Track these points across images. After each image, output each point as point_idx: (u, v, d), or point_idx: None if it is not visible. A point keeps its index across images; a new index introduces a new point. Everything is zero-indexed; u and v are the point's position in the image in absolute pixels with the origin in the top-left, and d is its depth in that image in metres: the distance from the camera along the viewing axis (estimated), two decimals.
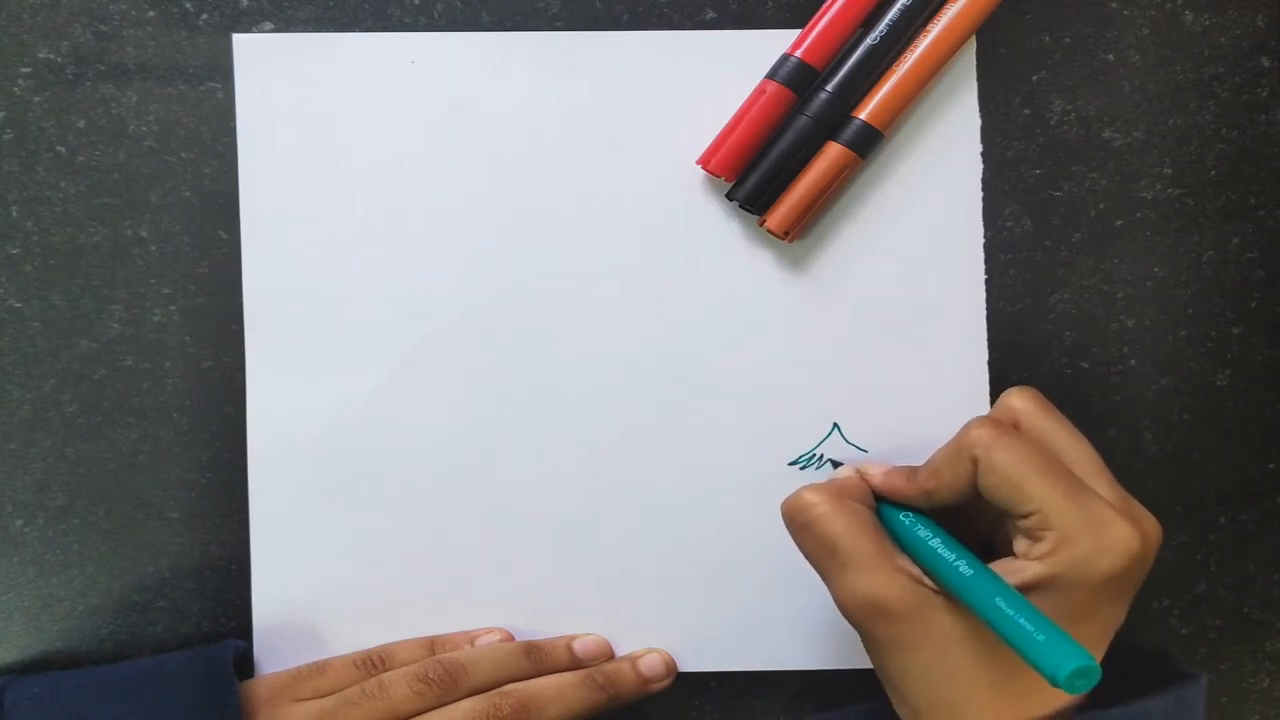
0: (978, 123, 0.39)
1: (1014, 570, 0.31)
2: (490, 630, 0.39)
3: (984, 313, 0.39)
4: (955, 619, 0.31)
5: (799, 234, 0.38)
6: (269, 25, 0.39)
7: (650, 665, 0.38)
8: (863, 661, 0.39)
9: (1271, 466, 0.40)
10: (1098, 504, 0.31)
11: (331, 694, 0.36)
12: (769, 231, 0.38)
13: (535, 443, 0.39)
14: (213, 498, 0.39)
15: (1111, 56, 0.39)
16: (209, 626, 0.39)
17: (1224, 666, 0.40)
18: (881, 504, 0.35)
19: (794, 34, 0.38)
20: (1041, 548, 0.31)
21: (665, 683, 0.38)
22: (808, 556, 0.34)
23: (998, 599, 0.29)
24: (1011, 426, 0.33)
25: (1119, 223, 0.40)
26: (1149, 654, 0.40)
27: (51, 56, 0.39)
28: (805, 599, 0.39)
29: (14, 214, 0.39)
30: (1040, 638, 0.27)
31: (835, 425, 0.39)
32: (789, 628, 0.39)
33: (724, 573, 0.39)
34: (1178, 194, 0.40)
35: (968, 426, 0.33)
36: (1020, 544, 0.32)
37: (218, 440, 0.39)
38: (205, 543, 0.39)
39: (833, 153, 0.37)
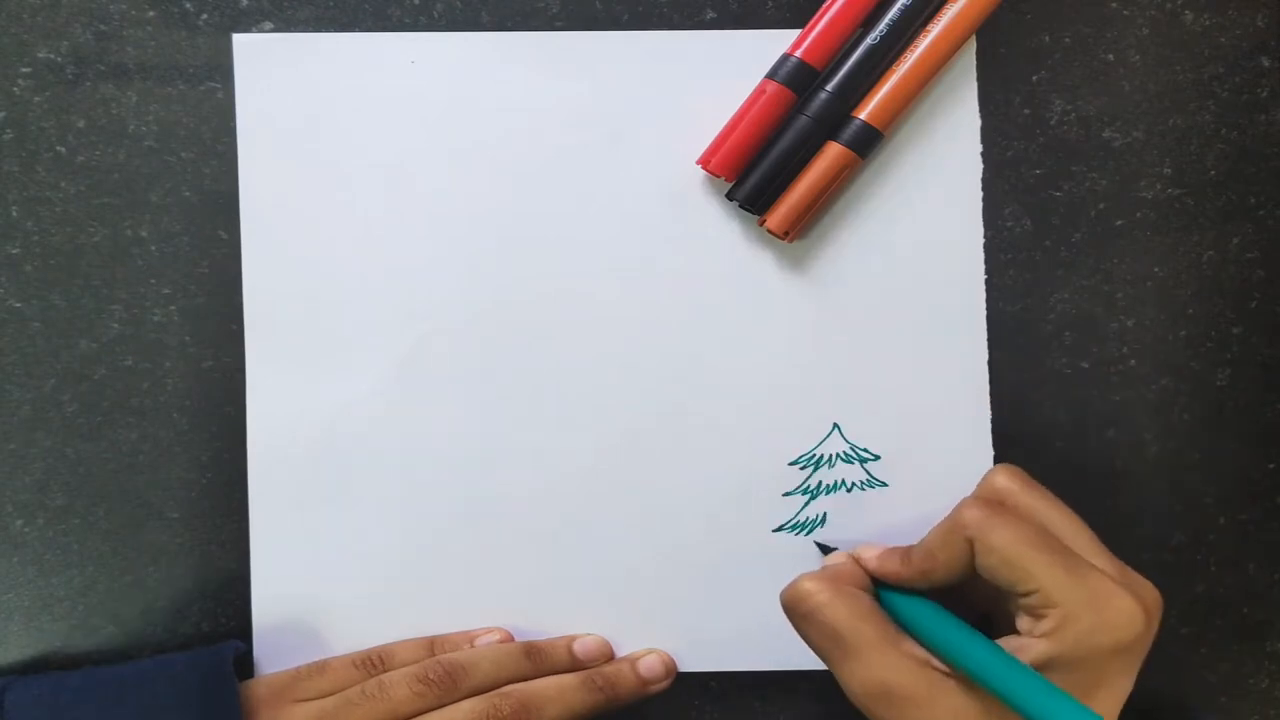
0: (978, 123, 0.39)
1: (1020, 648, 0.31)
2: (490, 630, 0.38)
3: (984, 313, 0.39)
4: (967, 700, 0.31)
5: (799, 234, 0.38)
6: (269, 25, 0.39)
7: (649, 666, 0.38)
8: None
9: (1271, 466, 0.40)
10: (1097, 578, 0.31)
11: (332, 694, 0.36)
12: (769, 232, 0.38)
13: (536, 442, 0.39)
14: (213, 498, 0.39)
15: (1111, 56, 0.39)
16: (209, 626, 0.39)
17: (1224, 666, 0.40)
18: (880, 588, 0.35)
19: (794, 34, 0.38)
20: (1045, 625, 0.31)
21: (664, 684, 0.38)
22: (812, 646, 0.34)
23: (1017, 677, 0.29)
24: (1002, 506, 0.33)
25: (1119, 223, 0.40)
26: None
27: (51, 56, 0.39)
28: None
29: (14, 214, 0.39)
30: (1065, 715, 0.28)
31: (835, 425, 0.39)
32: (789, 628, 0.39)
33: (724, 573, 0.39)
34: (1178, 194, 0.40)
35: (959, 508, 0.33)
36: (1023, 622, 0.32)
37: (218, 440, 0.39)
38: (205, 543, 0.39)
39: (833, 153, 0.37)
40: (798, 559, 0.39)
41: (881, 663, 0.31)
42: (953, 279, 0.39)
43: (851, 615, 0.32)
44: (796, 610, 0.34)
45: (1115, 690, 0.32)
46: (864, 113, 0.37)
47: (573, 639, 0.39)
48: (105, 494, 0.39)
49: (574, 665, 0.38)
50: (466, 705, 0.35)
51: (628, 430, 0.39)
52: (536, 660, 0.37)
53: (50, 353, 0.39)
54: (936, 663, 0.32)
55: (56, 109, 0.39)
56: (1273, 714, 0.40)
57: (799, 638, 0.34)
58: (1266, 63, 0.39)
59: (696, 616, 0.39)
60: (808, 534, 0.39)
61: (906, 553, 0.34)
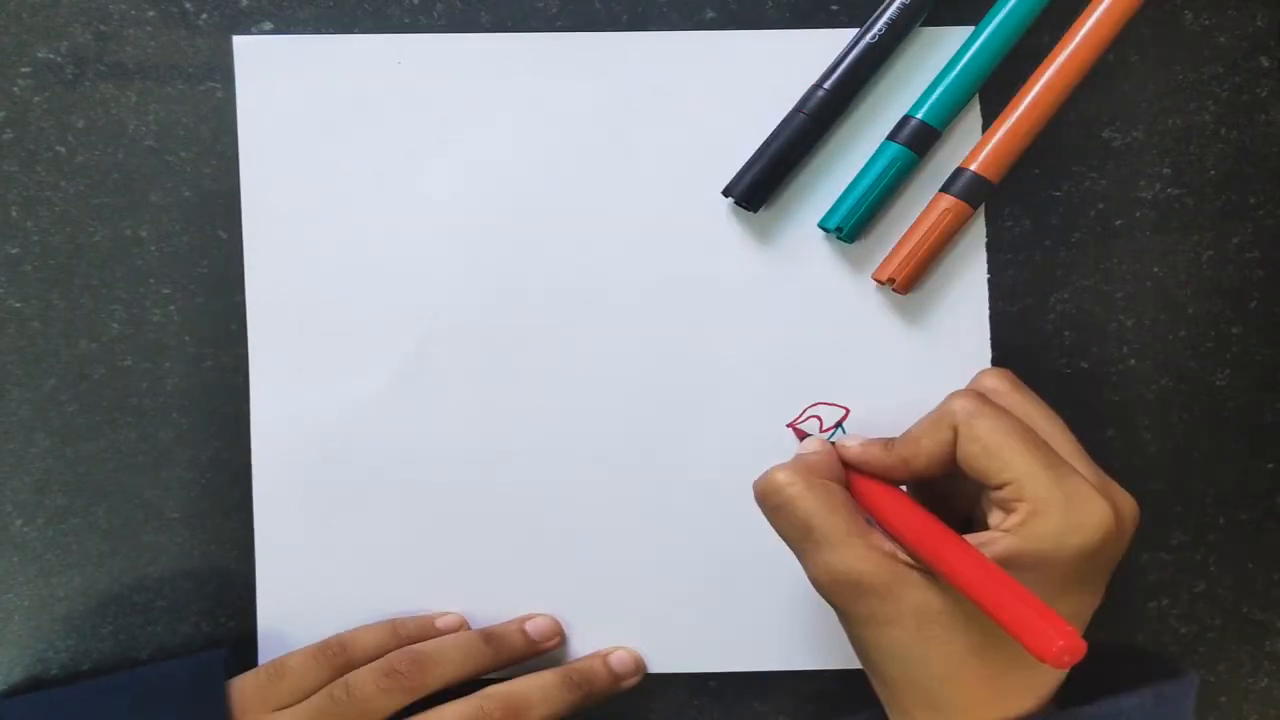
0: (979, 122, 0.39)
1: (985, 542, 0.31)
2: (447, 614, 0.39)
3: (985, 313, 0.39)
4: (931, 593, 0.31)
5: (908, 286, 0.38)
6: (269, 25, 0.39)
7: (620, 661, 0.38)
8: None
9: (1271, 466, 0.40)
10: (1075, 480, 0.31)
11: (303, 695, 0.36)
12: (879, 282, 0.38)
13: (539, 442, 0.39)
14: (212, 498, 0.39)
15: (1111, 56, 0.39)
16: (209, 627, 0.39)
17: (1224, 666, 0.40)
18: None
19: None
20: (1014, 519, 0.31)
21: (635, 679, 0.39)
22: (782, 535, 0.34)
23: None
24: (990, 400, 0.33)
25: (1119, 223, 0.40)
26: (1138, 652, 0.40)
27: (51, 56, 0.39)
28: (806, 599, 0.39)
29: (14, 214, 0.39)
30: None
31: (839, 426, 0.39)
32: (789, 628, 0.39)
33: (726, 573, 0.39)
34: (1177, 194, 0.40)
35: (949, 398, 0.33)
36: (994, 516, 0.31)
37: (218, 440, 0.39)
38: (205, 543, 0.39)
39: (945, 204, 0.38)
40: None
41: (849, 554, 0.31)
42: (953, 279, 0.39)
43: (822, 507, 0.32)
44: (769, 501, 0.34)
45: (1081, 597, 0.32)
46: (975, 164, 0.38)
47: (524, 620, 0.39)
48: (105, 494, 0.39)
49: (528, 646, 0.38)
50: (451, 710, 0.35)
51: (630, 430, 0.39)
52: (495, 645, 0.37)
53: (50, 353, 0.39)
54: (904, 556, 0.32)
55: (56, 109, 0.39)
56: (1273, 714, 0.40)
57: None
58: (1266, 63, 0.39)
59: (700, 616, 0.39)
60: None
61: (889, 442, 0.34)
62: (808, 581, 0.33)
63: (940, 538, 0.31)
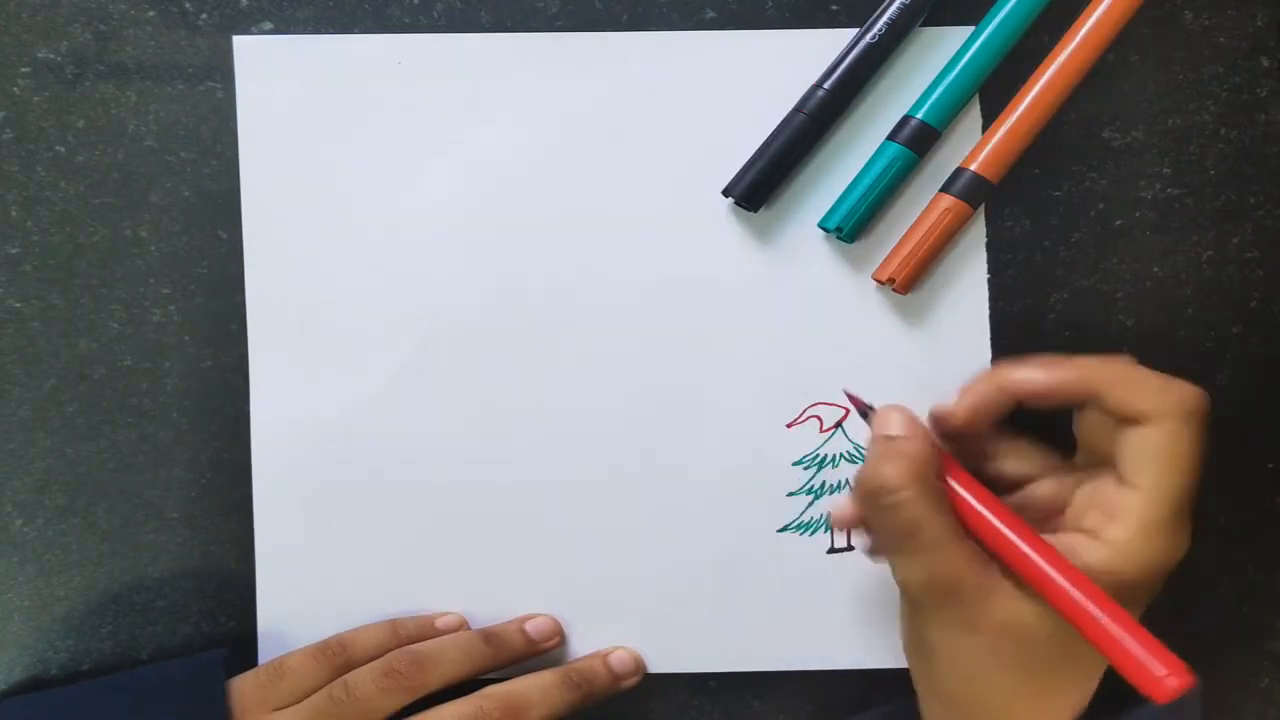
0: (979, 122, 0.39)
1: (1075, 549, 0.31)
2: (448, 614, 0.39)
3: (985, 313, 0.39)
4: (1023, 606, 0.31)
5: (908, 285, 0.38)
6: (269, 25, 0.39)
7: (620, 661, 0.38)
8: (864, 661, 0.39)
9: (1271, 466, 0.40)
10: (1186, 518, 0.32)
11: (302, 694, 0.36)
12: (879, 282, 0.38)
13: (540, 443, 0.39)
14: (212, 498, 0.39)
15: (1111, 56, 0.39)
16: (209, 627, 0.39)
17: (1224, 666, 0.40)
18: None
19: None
20: (1118, 532, 0.31)
21: (635, 679, 0.39)
22: (878, 531, 0.33)
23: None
24: None
25: (1118, 223, 0.40)
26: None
27: (51, 56, 0.39)
28: (806, 599, 0.39)
29: (14, 214, 0.39)
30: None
31: (839, 425, 0.39)
32: (789, 628, 0.39)
33: (728, 573, 0.39)
34: (1177, 194, 0.40)
35: (1181, 385, 0.32)
36: (1091, 517, 0.32)
37: (217, 440, 0.39)
38: (205, 543, 0.39)
39: (945, 204, 0.38)
40: (802, 559, 0.39)
41: (952, 560, 0.31)
42: (953, 279, 0.39)
43: (933, 510, 0.31)
44: (878, 500, 0.32)
45: (1140, 607, 0.32)
46: (975, 164, 0.38)
47: (524, 620, 0.39)
48: (105, 494, 0.39)
49: (528, 646, 0.38)
50: (452, 709, 0.35)
51: (631, 431, 0.39)
52: (495, 645, 0.37)
53: (50, 353, 0.39)
54: (996, 565, 0.31)
55: (56, 109, 0.39)
56: (1273, 714, 0.40)
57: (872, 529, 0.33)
58: (1266, 62, 0.39)
59: (700, 616, 0.39)
60: (812, 535, 0.39)
61: (1051, 362, 0.33)
62: (807, 581, 0.33)
63: (1043, 554, 0.30)
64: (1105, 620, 0.28)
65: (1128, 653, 0.27)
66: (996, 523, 0.32)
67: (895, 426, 0.33)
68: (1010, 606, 0.31)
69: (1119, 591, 0.30)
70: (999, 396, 0.34)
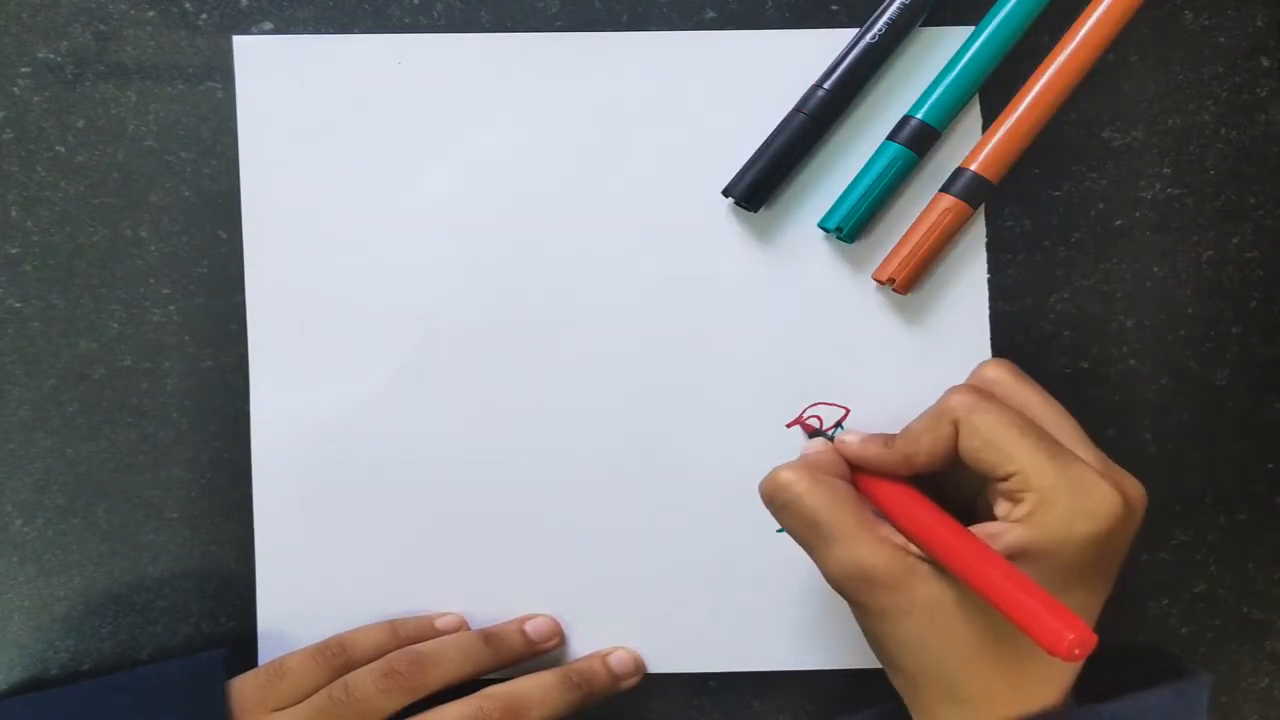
0: (979, 122, 0.39)
1: (994, 534, 0.31)
2: (447, 614, 0.39)
3: (985, 313, 0.39)
4: (943, 586, 0.31)
5: (908, 285, 0.38)
6: (268, 25, 0.39)
7: (620, 661, 0.38)
8: (863, 661, 0.39)
9: (1271, 466, 0.40)
10: (1079, 466, 0.31)
11: (302, 695, 0.36)
12: (879, 281, 0.38)
13: (539, 443, 0.39)
14: (212, 498, 0.39)
15: (1111, 56, 0.39)
16: (209, 626, 0.39)
17: (1224, 666, 0.40)
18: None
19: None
20: (1021, 509, 0.30)
21: (634, 680, 0.39)
22: (792, 534, 0.34)
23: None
24: (990, 393, 0.33)
25: (1118, 222, 0.40)
26: (1155, 652, 0.40)
27: (51, 56, 0.39)
28: (806, 599, 0.39)
29: (14, 214, 0.39)
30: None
31: (839, 425, 0.39)
32: (789, 628, 0.39)
33: (724, 572, 0.39)
34: (1177, 194, 0.40)
35: (948, 393, 0.33)
36: (1000, 507, 0.31)
37: (217, 440, 0.39)
38: (205, 543, 0.39)
39: (945, 204, 0.38)
40: (802, 559, 0.39)
41: (859, 548, 0.32)
42: (953, 279, 0.39)
43: (829, 502, 0.32)
44: (775, 500, 0.34)
45: (1092, 587, 0.32)
46: (975, 164, 0.38)
47: (524, 620, 0.39)
48: (105, 494, 0.39)
49: (528, 647, 0.38)
50: (452, 709, 0.35)
51: (631, 431, 0.39)
52: (495, 645, 0.37)
53: (50, 353, 0.39)
54: (913, 549, 0.32)
55: (56, 109, 0.39)
56: (1273, 714, 0.40)
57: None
58: (1266, 62, 0.39)
59: (699, 616, 0.39)
60: None
61: (890, 438, 0.34)
62: (807, 581, 0.33)
63: (947, 532, 0.31)
64: (1001, 579, 0.28)
65: (1029, 611, 0.27)
66: (904, 505, 0.32)
67: (810, 448, 0.36)
68: (933, 587, 0.31)
69: (1051, 567, 0.30)
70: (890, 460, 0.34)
